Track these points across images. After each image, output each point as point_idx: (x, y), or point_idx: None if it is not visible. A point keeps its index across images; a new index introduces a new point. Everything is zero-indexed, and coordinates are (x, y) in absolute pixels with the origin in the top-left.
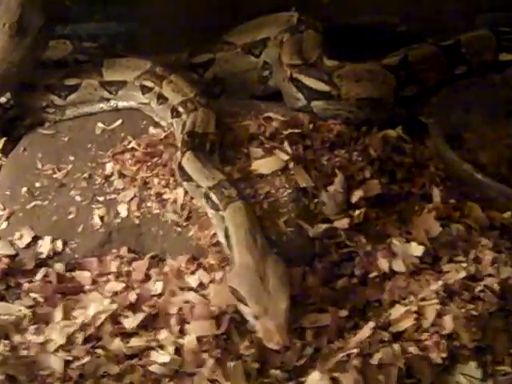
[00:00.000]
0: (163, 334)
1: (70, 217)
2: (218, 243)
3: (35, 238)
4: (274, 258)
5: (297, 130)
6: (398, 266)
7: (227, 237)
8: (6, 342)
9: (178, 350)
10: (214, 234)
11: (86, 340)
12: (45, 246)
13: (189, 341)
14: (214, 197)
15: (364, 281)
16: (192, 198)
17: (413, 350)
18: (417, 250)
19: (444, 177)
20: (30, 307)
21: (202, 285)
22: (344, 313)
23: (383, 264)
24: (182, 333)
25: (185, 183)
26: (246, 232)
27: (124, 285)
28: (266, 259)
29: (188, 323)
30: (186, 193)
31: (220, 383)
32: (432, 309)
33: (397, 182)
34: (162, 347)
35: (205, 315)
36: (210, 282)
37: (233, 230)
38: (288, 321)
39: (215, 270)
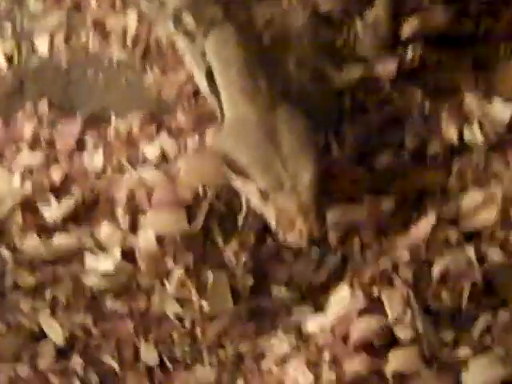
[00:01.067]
0: (105, 230)
1: None
2: (193, 92)
3: None
4: (286, 108)
5: None
6: (473, 134)
7: (210, 79)
8: None
9: (128, 254)
10: (190, 78)
11: None
12: None
13: (145, 240)
14: (187, 19)
15: (420, 156)
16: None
17: (495, 255)
18: (503, 111)
19: None
20: None
21: (165, 157)
22: (388, 203)
23: (450, 131)
24: (135, 228)
25: (141, 1)
26: (241, 70)
27: (44, 156)
28: (275, 109)
29: (144, 214)
30: (140, 17)
31: (193, 304)
32: None
33: (471, 14)
34: (102, 249)
35: (170, 202)
36: (179, 151)
37: (220, 68)
38: (317, 198)
39: (187, 134)
